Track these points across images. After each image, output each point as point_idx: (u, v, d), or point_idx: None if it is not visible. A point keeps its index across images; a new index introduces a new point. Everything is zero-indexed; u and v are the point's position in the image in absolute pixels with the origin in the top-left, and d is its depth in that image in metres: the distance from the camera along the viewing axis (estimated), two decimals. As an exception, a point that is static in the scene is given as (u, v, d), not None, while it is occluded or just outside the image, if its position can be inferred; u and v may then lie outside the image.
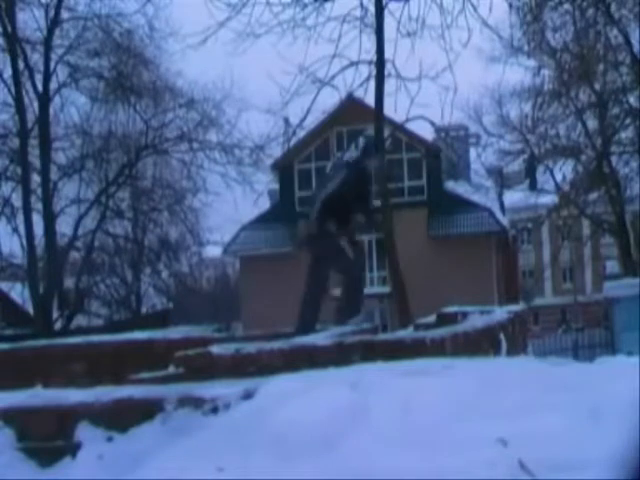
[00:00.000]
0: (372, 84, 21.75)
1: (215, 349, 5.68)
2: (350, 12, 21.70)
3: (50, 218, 29.25)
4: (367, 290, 35.27)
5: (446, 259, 35.20)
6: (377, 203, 27.07)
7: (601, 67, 30.20)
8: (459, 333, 5.84)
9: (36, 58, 27.70)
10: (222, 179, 33.09)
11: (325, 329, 7.74)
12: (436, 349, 5.17)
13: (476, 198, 38.37)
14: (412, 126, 26.66)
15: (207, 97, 32.32)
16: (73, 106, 29.82)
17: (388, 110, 22.46)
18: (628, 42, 29.27)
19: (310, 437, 2.70)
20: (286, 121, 24.21)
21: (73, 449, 3.07)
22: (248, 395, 3.04)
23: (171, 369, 5.49)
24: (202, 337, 7.58)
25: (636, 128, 30.28)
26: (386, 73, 21.43)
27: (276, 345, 5.68)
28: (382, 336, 9.30)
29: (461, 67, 21.49)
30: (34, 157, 28.05)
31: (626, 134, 31.78)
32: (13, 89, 27.22)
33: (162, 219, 35.73)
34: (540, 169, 36.62)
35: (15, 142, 28.14)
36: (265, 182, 36.87)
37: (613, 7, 28.72)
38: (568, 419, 2.71)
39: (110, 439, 3.08)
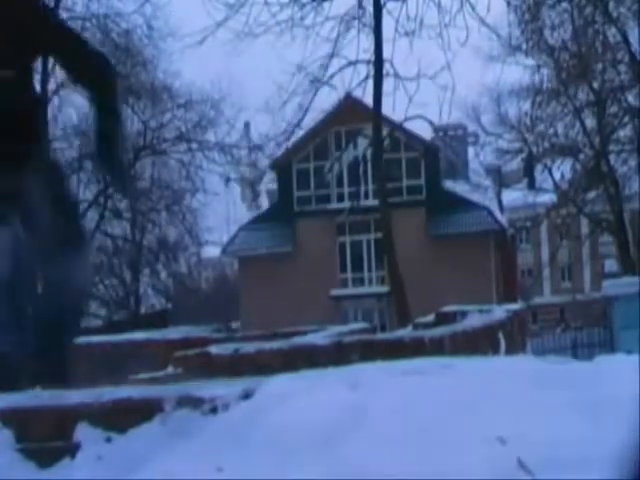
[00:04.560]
0: (370, 83, 21.83)
1: (214, 349, 5.68)
2: (348, 11, 21.79)
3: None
4: (366, 289, 35.43)
5: (445, 258, 35.23)
6: (375, 202, 27.15)
7: (599, 65, 30.24)
8: (458, 332, 5.85)
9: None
10: (221, 179, 33.13)
11: (322, 329, 7.75)
12: (435, 348, 5.18)
13: (474, 197, 38.45)
14: (410, 125, 26.71)
15: (205, 98, 32.36)
16: (71, 107, 29.87)
17: (386, 109, 22.52)
18: (626, 40, 29.30)
19: (309, 437, 2.70)
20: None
21: (72, 450, 3.07)
22: (247, 395, 3.04)
23: (170, 369, 5.50)
24: (201, 337, 7.59)
25: (634, 126, 30.32)
26: (384, 72, 21.50)
27: (275, 345, 5.69)
28: (381, 335, 9.31)
29: (459, 66, 21.59)
30: (33, 158, 28.09)
31: (624, 132, 31.83)
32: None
33: (161, 219, 35.78)
34: (538, 168, 36.69)
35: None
36: (265, 182, 36.91)
37: (611, 5, 28.77)
38: (567, 418, 2.71)
39: (109, 440, 3.08)
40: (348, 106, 27.75)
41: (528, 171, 38.11)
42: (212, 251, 43.24)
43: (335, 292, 38.01)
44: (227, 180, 34.73)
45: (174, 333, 9.92)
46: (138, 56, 30.28)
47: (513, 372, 3.14)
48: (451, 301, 11.33)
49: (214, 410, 3.06)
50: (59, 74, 28.45)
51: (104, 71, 4.29)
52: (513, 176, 40.04)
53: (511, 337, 7.20)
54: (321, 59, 21.90)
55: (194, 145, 34.36)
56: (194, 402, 3.09)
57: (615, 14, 28.60)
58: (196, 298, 48.35)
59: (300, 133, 26.88)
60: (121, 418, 3.10)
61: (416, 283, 25.46)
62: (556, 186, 35.48)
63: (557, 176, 35.23)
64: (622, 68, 29.94)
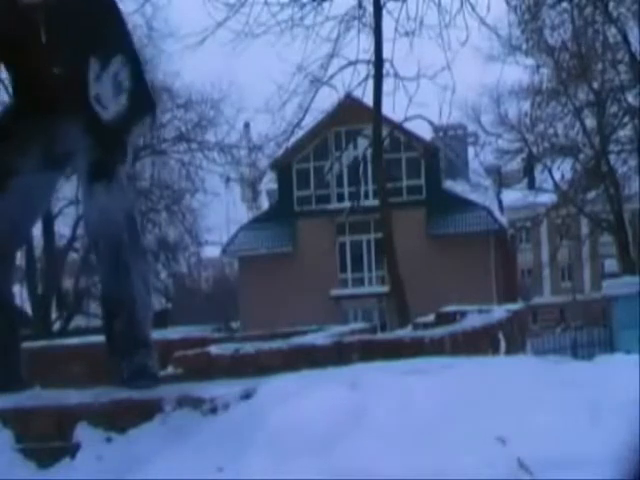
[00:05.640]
0: (370, 83, 21.79)
1: (214, 349, 5.69)
2: (348, 11, 21.74)
3: (48, 219, 29.25)
4: (366, 289, 35.32)
5: (445, 258, 35.23)
6: (375, 202, 27.15)
7: (599, 65, 30.23)
8: (458, 332, 5.85)
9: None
10: (221, 179, 33.14)
11: (322, 329, 7.75)
12: (435, 348, 5.18)
13: (474, 197, 38.42)
14: (410, 125, 26.68)
15: (205, 98, 32.36)
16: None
17: (386, 109, 22.48)
18: (626, 40, 29.28)
19: (309, 437, 2.70)
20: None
21: (72, 450, 3.08)
22: (247, 395, 3.04)
23: (170, 369, 5.50)
24: (201, 337, 7.60)
25: (634, 126, 30.31)
26: (384, 72, 21.46)
27: (275, 345, 5.69)
28: (381, 335, 9.32)
29: (459, 66, 21.55)
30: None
31: (624, 132, 31.81)
32: (11, 90, 27.23)
33: (160, 219, 35.75)
34: (538, 168, 36.67)
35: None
36: (265, 182, 36.91)
37: (611, 5, 28.75)
38: (567, 417, 2.72)
39: (109, 440, 3.08)
40: (348, 106, 27.71)
41: (528, 171, 38.11)
42: (212, 251, 43.27)
43: (335, 292, 38.02)
44: (227, 180, 34.75)
45: (174, 333, 9.92)
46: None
47: (513, 372, 3.14)
48: (451, 301, 11.33)
49: (214, 410, 3.06)
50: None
51: None
52: (513, 176, 40.05)
53: (511, 337, 7.20)
54: (321, 59, 21.88)
55: (194, 145, 34.38)
56: (194, 402, 3.10)
57: (615, 14, 28.60)
58: (196, 298, 48.36)
59: (300, 133, 26.86)
60: (121, 418, 3.10)
61: (416, 283, 25.45)
62: (556, 186, 35.48)
63: (557, 176, 35.25)
64: (622, 68, 29.94)
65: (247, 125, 34.19)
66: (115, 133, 3.81)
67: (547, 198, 36.58)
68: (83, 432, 3.09)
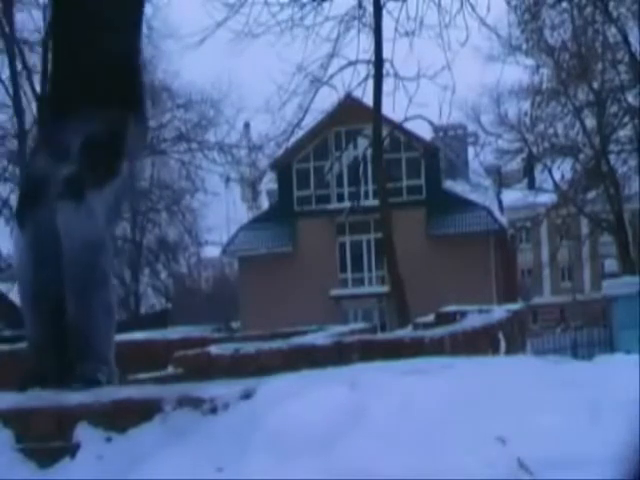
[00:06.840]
0: (370, 83, 21.84)
1: (214, 349, 5.69)
2: (348, 12, 21.78)
3: (48, 219, 29.16)
4: (366, 289, 35.35)
5: (445, 258, 35.23)
6: (375, 202, 27.15)
7: (599, 65, 30.25)
8: (458, 332, 5.86)
9: (34, 59, 27.75)
10: (221, 179, 33.17)
11: (322, 329, 7.75)
12: (435, 348, 5.19)
13: (474, 197, 38.43)
14: (410, 125, 26.70)
15: (205, 98, 32.37)
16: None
17: (386, 109, 22.52)
18: (626, 40, 29.30)
19: (309, 437, 2.70)
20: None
21: (72, 450, 3.07)
22: (247, 395, 3.04)
23: (170, 369, 5.50)
24: (201, 337, 7.61)
25: (634, 126, 30.32)
26: (384, 72, 21.50)
27: (275, 345, 5.70)
28: (381, 335, 9.33)
29: (459, 66, 21.59)
30: (32, 158, 28.11)
31: (624, 132, 31.83)
32: (11, 90, 27.26)
33: (160, 219, 35.77)
34: (538, 168, 36.68)
35: (13, 143, 28.17)
36: (265, 182, 36.92)
37: (611, 5, 28.77)
38: (567, 417, 2.72)
39: (109, 440, 3.08)
40: (348, 106, 27.72)
41: (528, 171, 38.12)
42: (212, 251, 43.27)
43: (335, 292, 38.02)
44: (227, 180, 34.79)
45: (174, 333, 9.94)
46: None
47: (513, 372, 3.14)
48: (451, 301, 11.33)
49: (214, 410, 3.06)
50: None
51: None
52: (513, 176, 40.07)
53: (511, 337, 7.20)
54: (321, 59, 21.94)
55: (194, 145, 34.40)
56: (194, 402, 3.09)
57: (615, 14, 28.61)
58: (196, 298, 48.36)
59: (300, 133, 26.89)
60: (121, 418, 3.10)
61: (416, 283, 25.46)
62: (556, 186, 35.49)
63: (557, 176, 35.25)
64: (622, 68, 29.95)
65: (247, 125, 34.26)
66: (95, 157, 3.83)
67: (547, 198, 36.59)
68: (83, 432, 3.09)
